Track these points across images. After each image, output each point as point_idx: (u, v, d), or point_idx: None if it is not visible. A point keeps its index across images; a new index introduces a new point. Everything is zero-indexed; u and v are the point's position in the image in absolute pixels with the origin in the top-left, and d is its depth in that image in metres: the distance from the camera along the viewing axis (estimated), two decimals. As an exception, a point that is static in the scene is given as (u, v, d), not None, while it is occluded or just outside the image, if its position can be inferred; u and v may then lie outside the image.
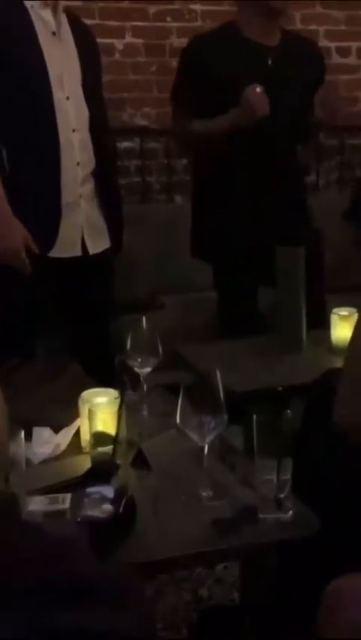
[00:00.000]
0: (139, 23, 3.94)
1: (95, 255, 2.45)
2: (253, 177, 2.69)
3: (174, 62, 3.95)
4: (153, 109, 4.00)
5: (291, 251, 2.34)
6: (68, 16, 2.39)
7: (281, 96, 2.58)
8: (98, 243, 2.47)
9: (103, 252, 2.48)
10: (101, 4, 3.85)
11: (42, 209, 2.32)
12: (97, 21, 3.80)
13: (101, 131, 2.43)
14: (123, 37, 3.93)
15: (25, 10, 2.26)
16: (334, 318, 2.36)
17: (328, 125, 4.00)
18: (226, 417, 1.40)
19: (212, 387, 1.40)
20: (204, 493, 1.42)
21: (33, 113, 2.27)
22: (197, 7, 4.01)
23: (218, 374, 1.41)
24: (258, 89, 2.51)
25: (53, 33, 2.30)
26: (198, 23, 3.98)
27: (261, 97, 2.52)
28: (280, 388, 1.39)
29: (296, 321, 2.33)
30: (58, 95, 2.29)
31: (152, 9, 3.96)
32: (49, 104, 2.27)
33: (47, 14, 2.29)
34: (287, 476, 1.35)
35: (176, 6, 3.99)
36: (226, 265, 2.80)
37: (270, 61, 2.67)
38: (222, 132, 2.60)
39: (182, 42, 3.96)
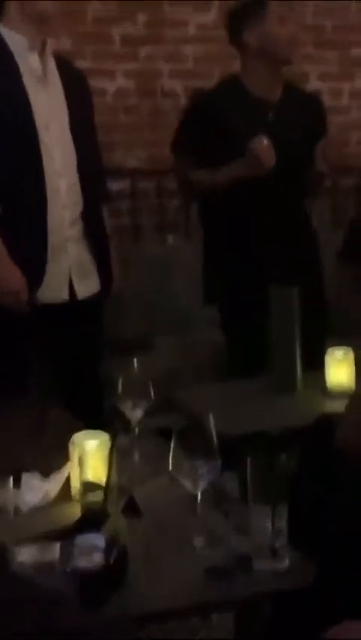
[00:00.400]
0: (130, 66, 4.00)
1: (84, 299, 2.45)
2: (257, 224, 2.74)
3: (166, 104, 4.04)
4: (145, 150, 4.04)
5: (285, 290, 2.35)
6: (56, 59, 2.41)
7: (281, 150, 2.63)
8: (87, 287, 2.46)
9: (92, 296, 2.48)
10: (93, 47, 3.91)
11: (28, 253, 2.32)
12: (88, 63, 3.86)
13: (90, 173, 2.45)
14: (115, 80, 3.98)
15: (10, 54, 2.28)
16: (328, 359, 2.36)
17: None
18: (219, 462, 1.39)
19: (205, 432, 1.40)
20: (198, 542, 1.40)
21: (19, 158, 2.28)
22: (189, 49, 4.08)
23: (211, 418, 1.40)
24: (265, 142, 2.58)
25: (39, 78, 2.32)
26: (190, 65, 4.05)
27: (267, 149, 2.58)
28: (275, 432, 1.38)
29: (290, 362, 2.33)
30: (44, 140, 2.30)
31: (143, 51, 4.02)
32: (35, 149, 2.28)
33: (34, 59, 2.32)
34: (282, 523, 1.33)
35: (168, 48, 4.05)
36: (234, 307, 2.81)
37: (271, 116, 2.75)
38: (227, 183, 2.65)
39: (174, 84, 4.04)
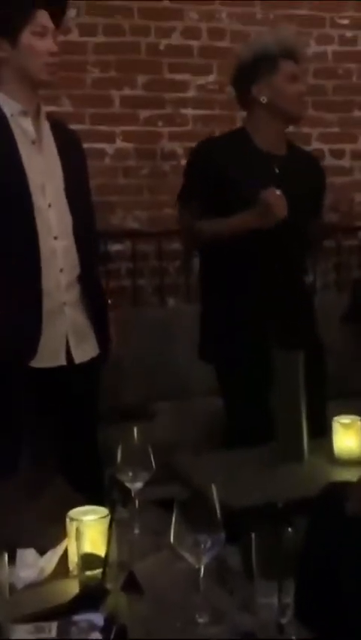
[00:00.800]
0: (130, 128, 4.08)
1: (81, 364, 2.44)
2: (260, 280, 2.74)
3: (166, 166, 4.11)
4: (144, 212, 4.09)
5: (289, 355, 2.35)
6: (51, 122, 2.47)
7: (288, 205, 2.67)
8: (85, 352, 2.46)
9: (90, 361, 2.48)
10: (92, 110, 4.00)
11: (23, 318, 2.33)
12: (88, 126, 3.94)
13: (86, 236, 2.47)
14: (114, 142, 4.06)
15: (4, 118, 2.34)
16: (336, 426, 2.35)
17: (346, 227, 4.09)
18: (223, 535, 1.37)
19: (208, 503, 1.38)
20: (201, 619, 1.37)
21: (13, 222, 2.31)
22: (188, 111, 4.16)
23: (214, 489, 1.39)
24: (277, 192, 2.61)
25: (33, 142, 2.37)
26: (190, 127, 4.13)
27: (280, 199, 2.61)
28: (280, 504, 1.36)
29: (296, 430, 2.32)
30: (39, 203, 2.34)
31: (143, 114, 4.11)
32: (29, 213, 2.31)
33: (27, 123, 2.36)
34: (289, 599, 1.31)
35: (167, 111, 4.14)
36: (232, 368, 2.81)
37: (277, 170, 2.79)
38: (235, 233, 2.67)
39: (173, 146, 4.12)
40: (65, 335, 2.41)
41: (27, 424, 2.42)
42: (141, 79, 4.10)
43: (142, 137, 4.10)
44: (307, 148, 4.31)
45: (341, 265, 4.42)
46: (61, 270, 2.38)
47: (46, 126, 2.43)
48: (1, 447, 2.32)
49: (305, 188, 2.85)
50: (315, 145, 4.38)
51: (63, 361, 2.40)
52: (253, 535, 1.32)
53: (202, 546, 1.36)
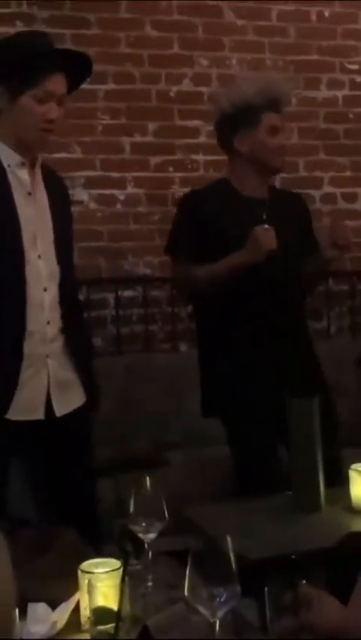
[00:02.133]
0: (140, 174, 4.13)
1: (66, 415, 2.41)
2: (258, 327, 2.75)
3: (177, 211, 4.14)
4: (156, 257, 4.11)
5: (304, 403, 2.34)
6: (43, 170, 2.45)
7: (279, 245, 2.69)
8: (68, 403, 2.43)
9: (75, 410, 2.44)
10: (103, 157, 4.05)
11: (2, 369, 2.31)
12: (99, 172, 3.99)
13: (70, 286, 2.47)
14: (125, 188, 4.10)
15: (2, 169, 2.34)
16: (353, 475, 2.33)
17: (338, 271, 4.11)
18: (238, 588, 1.35)
19: (223, 555, 1.36)
20: None
21: (4, 272, 2.31)
22: (199, 157, 4.21)
23: (229, 540, 1.37)
24: (265, 226, 2.67)
25: (29, 193, 2.37)
26: (201, 173, 4.17)
27: (268, 232, 2.66)
28: (294, 556, 1.34)
29: (312, 479, 2.30)
30: (30, 254, 2.33)
31: (153, 160, 4.16)
32: (20, 263, 2.31)
33: (24, 174, 2.37)
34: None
35: (178, 156, 4.19)
36: (240, 423, 2.79)
37: (264, 216, 2.76)
38: (228, 273, 2.69)
39: (184, 191, 4.15)
40: (46, 388, 2.37)
41: (30, 475, 2.40)
42: (152, 125, 4.16)
43: (153, 183, 4.14)
44: (319, 192, 4.38)
45: (354, 309, 4.42)
46: (48, 322, 2.37)
47: (39, 176, 2.43)
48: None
49: (294, 226, 2.87)
50: (327, 189, 4.42)
51: (41, 415, 2.36)
52: (266, 589, 1.31)
53: (217, 599, 1.34)
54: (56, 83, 2.31)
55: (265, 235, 2.66)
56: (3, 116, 2.35)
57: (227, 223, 2.76)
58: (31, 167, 2.39)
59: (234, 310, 2.75)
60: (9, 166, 2.34)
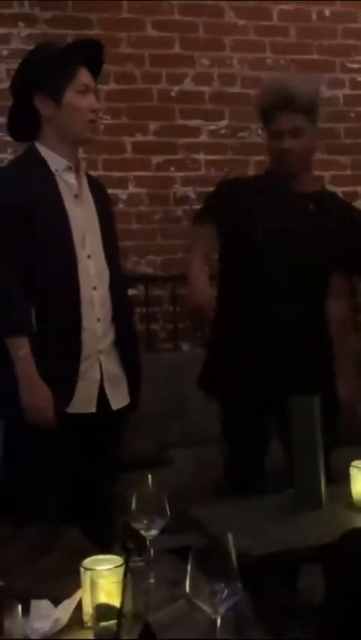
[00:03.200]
0: (142, 173, 4.14)
1: (111, 412, 2.49)
2: (269, 319, 2.74)
3: (179, 211, 4.15)
4: (157, 256, 4.13)
5: (305, 401, 2.34)
6: (87, 175, 2.57)
7: (317, 240, 2.70)
8: (119, 399, 2.52)
9: (122, 408, 2.53)
10: (105, 156, 4.06)
11: (61, 367, 2.40)
12: (100, 172, 4.00)
13: (119, 285, 2.56)
14: (127, 188, 4.11)
15: (51, 174, 2.45)
16: (354, 472, 2.33)
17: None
18: (240, 585, 1.36)
19: (224, 552, 1.37)
20: (218, 672, 1.36)
21: (57, 273, 2.40)
22: (200, 156, 4.22)
23: (230, 537, 1.38)
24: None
25: (76, 195, 2.47)
26: (202, 172, 4.18)
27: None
28: (294, 554, 1.35)
29: (313, 476, 2.31)
30: (80, 254, 2.43)
31: (155, 159, 4.16)
32: (73, 263, 2.41)
33: (71, 178, 2.47)
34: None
35: (179, 156, 4.20)
36: (235, 407, 2.80)
37: (311, 206, 2.81)
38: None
39: (186, 191, 4.17)
40: (98, 383, 2.46)
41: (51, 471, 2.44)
42: (153, 125, 4.16)
43: (155, 183, 4.15)
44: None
45: (356, 306, 4.42)
46: (98, 320, 2.46)
47: (84, 180, 2.53)
48: (28, 496, 2.34)
49: (334, 231, 2.82)
50: (328, 188, 4.41)
51: (94, 408, 2.45)
52: (266, 585, 1.32)
53: (219, 596, 1.35)
54: (86, 75, 2.46)
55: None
56: (48, 124, 2.47)
57: (257, 219, 2.75)
58: (77, 171, 2.50)
59: (247, 307, 2.76)
60: (56, 170, 2.45)
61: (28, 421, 2.35)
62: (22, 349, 2.35)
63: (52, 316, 2.39)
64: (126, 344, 2.56)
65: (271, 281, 2.71)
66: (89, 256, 2.45)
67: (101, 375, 2.47)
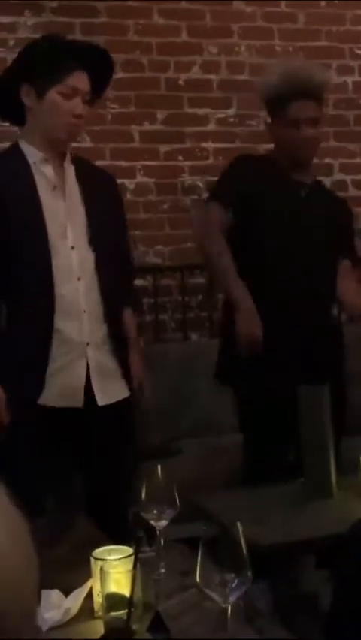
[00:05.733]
0: (150, 163, 4.13)
1: (108, 405, 2.45)
2: (280, 312, 2.74)
3: (187, 200, 4.14)
4: (166, 247, 4.12)
5: (314, 390, 2.34)
6: (81, 165, 2.53)
7: (313, 229, 2.69)
8: (111, 393, 2.47)
9: (119, 402, 2.49)
10: (112, 146, 4.05)
11: (40, 357, 2.37)
12: (108, 162, 3.99)
13: (113, 276, 2.50)
14: (134, 177, 4.10)
15: (28, 166, 2.43)
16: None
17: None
18: (250, 574, 1.37)
19: (234, 542, 1.37)
20: (229, 661, 1.37)
21: (32, 264, 2.37)
22: (209, 145, 4.21)
23: (240, 527, 1.38)
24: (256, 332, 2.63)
25: (54, 187, 2.44)
26: (210, 161, 4.17)
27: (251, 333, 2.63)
28: (304, 544, 1.35)
29: (324, 465, 2.31)
30: (61, 246, 2.40)
31: (163, 149, 4.15)
32: (46, 255, 2.37)
33: (48, 170, 2.44)
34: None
35: (187, 145, 4.19)
36: (252, 397, 2.80)
37: (303, 193, 2.82)
38: (223, 289, 2.76)
39: (194, 180, 4.16)
40: (86, 376, 2.42)
41: (52, 464, 2.43)
42: (161, 114, 4.15)
43: (163, 172, 4.14)
44: (330, 179, 4.36)
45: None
46: (84, 311, 2.42)
47: (70, 171, 2.49)
48: (27, 489, 2.33)
49: (331, 220, 2.85)
50: (338, 176, 4.41)
51: (80, 404, 2.41)
52: (275, 574, 1.32)
53: (229, 585, 1.35)
54: (79, 80, 2.40)
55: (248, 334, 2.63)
56: (30, 116, 2.45)
57: (269, 192, 2.78)
58: (59, 163, 2.47)
59: (258, 290, 2.73)
60: (34, 163, 2.43)
61: None
62: None
63: (26, 308, 2.37)
64: (120, 335, 2.52)
65: (282, 268, 2.71)
66: (72, 247, 2.42)
67: (87, 368, 2.43)
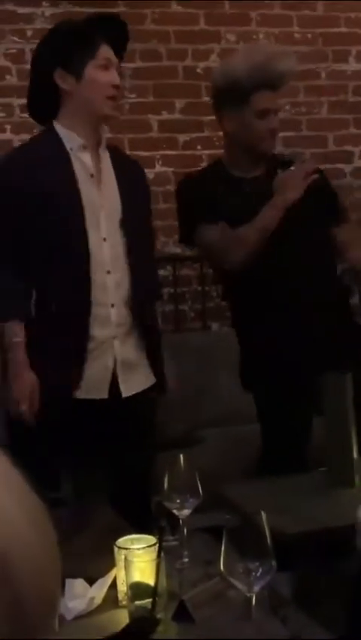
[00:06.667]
0: (169, 152, 4.12)
1: (133, 396, 2.47)
2: (291, 303, 2.73)
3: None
4: (186, 236, 4.11)
5: (337, 378, 2.33)
6: (114, 154, 2.54)
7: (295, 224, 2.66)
8: (134, 384, 2.48)
9: (143, 392, 2.50)
10: (130, 135, 4.04)
11: (69, 350, 2.38)
12: (127, 152, 3.98)
13: (141, 268, 2.49)
14: (153, 167, 4.09)
15: (66, 153, 2.41)
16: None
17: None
18: (274, 563, 1.37)
19: (258, 530, 1.37)
20: (254, 650, 1.37)
21: (68, 254, 2.37)
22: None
23: (264, 515, 1.38)
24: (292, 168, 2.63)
25: (92, 175, 2.43)
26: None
27: (293, 175, 2.62)
28: (327, 532, 1.34)
29: (346, 453, 2.30)
30: (94, 237, 2.39)
31: (182, 138, 4.14)
32: (83, 246, 2.37)
33: (86, 157, 2.43)
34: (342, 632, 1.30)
35: (206, 134, 4.17)
36: (273, 395, 2.79)
37: (246, 188, 2.75)
38: (274, 218, 2.64)
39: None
40: (112, 369, 2.44)
41: (76, 454, 2.44)
42: (179, 103, 4.14)
43: (181, 161, 4.13)
44: (350, 166, 4.34)
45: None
46: (112, 305, 2.42)
47: (106, 159, 2.49)
48: (51, 477, 2.35)
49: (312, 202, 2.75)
50: (358, 163, 4.39)
51: (105, 394, 2.42)
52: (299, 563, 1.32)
53: (253, 574, 1.36)
54: (108, 51, 2.44)
55: (290, 178, 2.62)
56: (67, 101, 2.45)
57: (219, 201, 2.70)
58: (95, 150, 2.46)
59: (266, 287, 2.73)
60: (71, 149, 2.42)
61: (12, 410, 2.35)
62: (15, 336, 2.35)
63: (61, 301, 2.37)
64: (146, 329, 2.52)
65: (271, 265, 2.68)
66: (104, 239, 2.41)
67: (114, 361, 2.44)
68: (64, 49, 2.40)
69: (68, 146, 2.42)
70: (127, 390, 2.46)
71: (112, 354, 2.43)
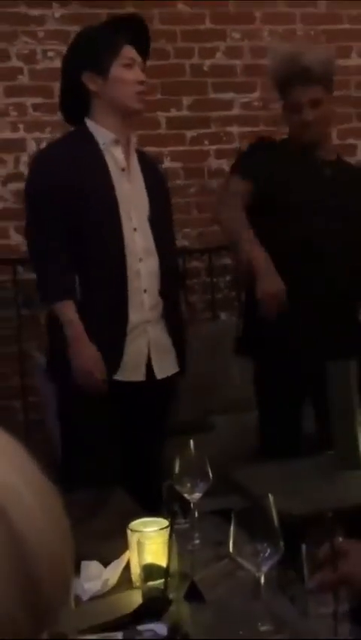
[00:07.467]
0: (177, 148, 4.11)
1: (160, 380, 2.52)
2: (301, 287, 2.71)
3: (213, 183, 4.12)
4: (194, 229, 4.11)
5: (342, 364, 2.33)
6: (137, 151, 2.59)
7: (339, 207, 2.67)
8: (165, 368, 2.54)
9: (169, 377, 2.56)
10: (140, 132, 4.03)
11: (108, 336, 2.43)
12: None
13: (168, 257, 2.56)
14: (162, 163, 4.08)
15: (98, 148, 2.48)
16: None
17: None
18: (282, 544, 1.37)
19: (266, 512, 1.38)
20: (263, 628, 1.37)
21: (104, 243, 2.43)
22: (234, 129, 4.18)
23: (271, 498, 1.38)
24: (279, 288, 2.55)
25: (123, 169, 2.49)
26: (236, 145, 4.14)
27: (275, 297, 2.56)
28: (331, 513, 1.34)
29: (351, 437, 2.30)
30: (126, 228, 2.45)
31: (189, 134, 4.14)
32: (118, 235, 2.43)
33: (118, 152, 2.50)
34: (345, 608, 1.29)
35: (213, 129, 4.16)
36: (271, 373, 2.79)
37: (328, 171, 2.79)
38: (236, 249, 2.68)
39: (220, 163, 4.14)
40: (147, 352, 2.49)
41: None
42: (187, 100, 4.13)
43: (189, 157, 4.12)
44: (354, 159, 4.31)
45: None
46: (145, 291, 2.48)
47: (134, 155, 2.55)
48: (87, 460, 2.38)
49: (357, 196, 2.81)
50: (361, 157, 4.37)
51: (142, 376, 2.48)
52: (303, 545, 1.32)
53: (261, 555, 1.36)
54: (131, 50, 2.51)
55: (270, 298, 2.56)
56: (97, 100, 2.51)
57: (288, 171, 2.77)
58: (126, 145, 2.52)
59: (282, 263, 2.66)
60: (104, 144, 2.48)
61: (79, 382, 2.38)
62: (69, 313, 2.40)
63: (99, 287, 2.43)
64: (173, 314, 2.58)
65: (306, 245, 2.68)
66: (135, 229, 2.47)
67: (148, 344, 2.49)
68: (89, 52, 2.47)
69: (100, 141, 2.48)
70: (161, 372, 2.52)
71: (146, 337, 2.49)
